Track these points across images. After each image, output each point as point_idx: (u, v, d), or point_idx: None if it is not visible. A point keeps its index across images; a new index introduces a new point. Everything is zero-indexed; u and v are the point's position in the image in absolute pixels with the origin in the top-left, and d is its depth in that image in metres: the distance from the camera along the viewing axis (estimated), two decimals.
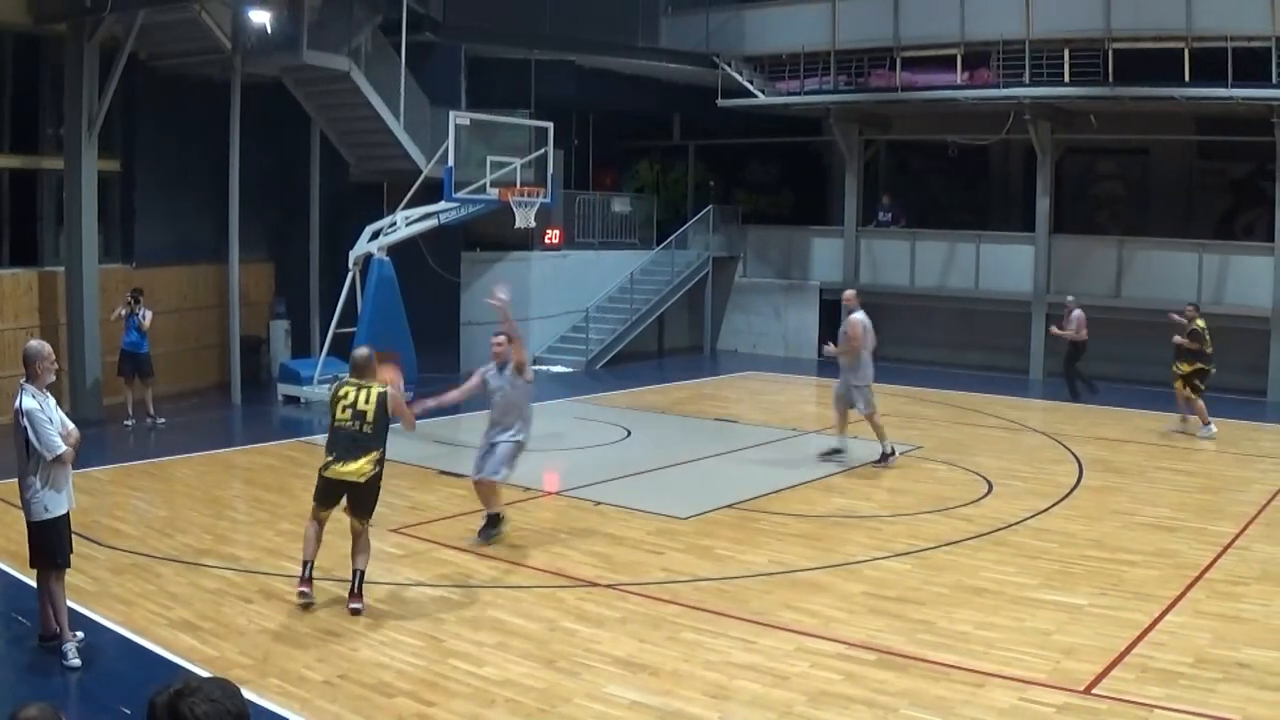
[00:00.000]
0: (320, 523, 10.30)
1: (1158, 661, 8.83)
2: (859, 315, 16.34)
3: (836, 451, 16.48)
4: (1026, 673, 8.65)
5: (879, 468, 16.01)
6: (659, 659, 8.99)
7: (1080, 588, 10.75)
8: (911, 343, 28.06)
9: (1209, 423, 18.72)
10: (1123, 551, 11.98)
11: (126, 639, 9.42)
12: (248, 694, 6.79)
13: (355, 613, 9.99)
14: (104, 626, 9.62)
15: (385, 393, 10.27)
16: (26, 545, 9.22)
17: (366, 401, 10.16)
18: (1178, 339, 18.85)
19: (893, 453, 16.22)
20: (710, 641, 9.37)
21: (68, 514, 9.13)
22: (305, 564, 10.22)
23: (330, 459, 10.17)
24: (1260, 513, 13.71)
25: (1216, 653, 9.02)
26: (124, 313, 19.13)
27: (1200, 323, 18.85)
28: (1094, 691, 8.29)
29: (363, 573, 10.18)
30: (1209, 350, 18.75)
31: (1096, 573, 11.22)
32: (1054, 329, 22.96)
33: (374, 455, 10.15)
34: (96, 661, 9.07)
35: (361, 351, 10.76)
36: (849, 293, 17.41)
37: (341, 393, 10.32)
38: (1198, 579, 11.04)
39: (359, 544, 10.20)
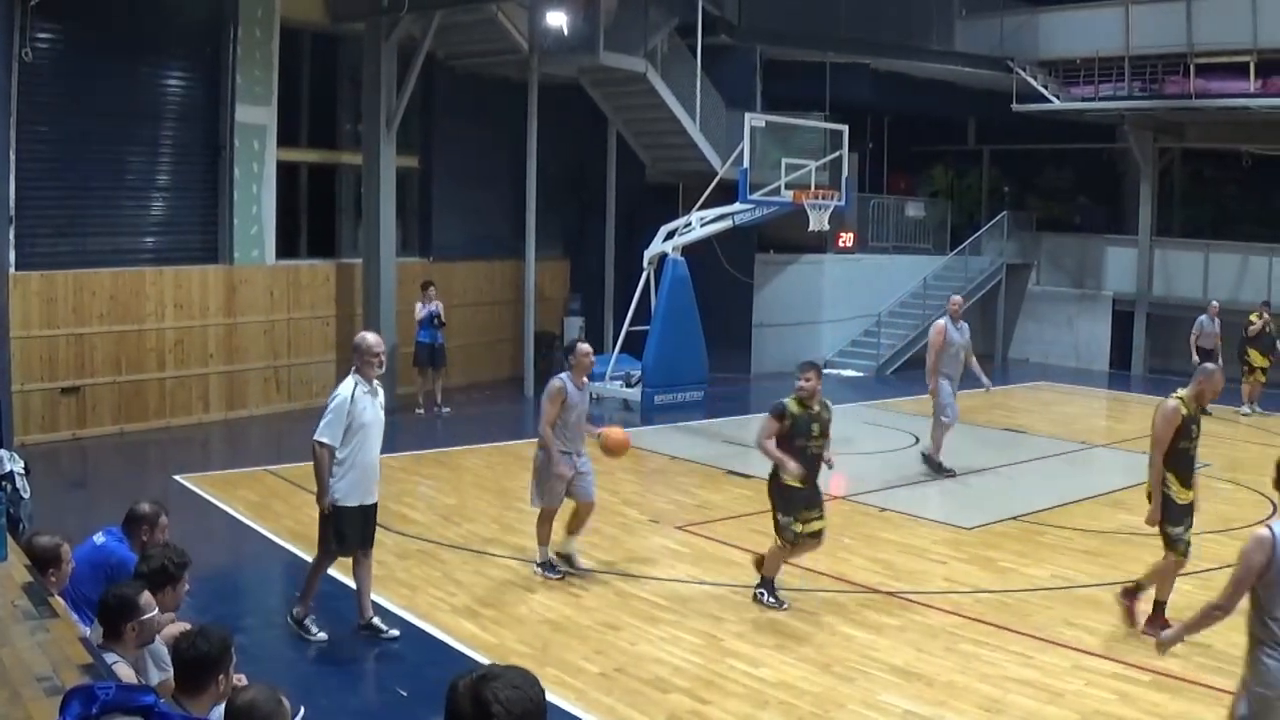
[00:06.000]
0: None
1: None
2: None
3: None
4: None
5: None
6: (935, 669, 8.82)
7: None
8: None
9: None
10: None
11: (408, 622, 9.70)
12: None
13: None
14: (387, 609, 9.90)
15: None
16: (315, 529, 9.57)
17: None
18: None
19: None
20: (987, 654, 9.15)
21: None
22: None
23: None
24: None
25: None
26: (420, 306, 19.72)
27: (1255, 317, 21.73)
28: None
29: None
30: None
31: None
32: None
33: None
34: (377, 642, 9.32)
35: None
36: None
37: None
38: None
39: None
